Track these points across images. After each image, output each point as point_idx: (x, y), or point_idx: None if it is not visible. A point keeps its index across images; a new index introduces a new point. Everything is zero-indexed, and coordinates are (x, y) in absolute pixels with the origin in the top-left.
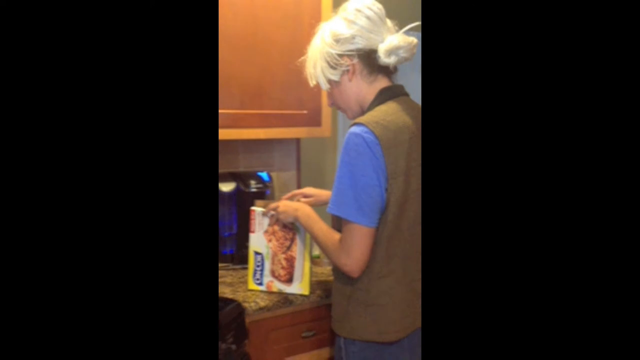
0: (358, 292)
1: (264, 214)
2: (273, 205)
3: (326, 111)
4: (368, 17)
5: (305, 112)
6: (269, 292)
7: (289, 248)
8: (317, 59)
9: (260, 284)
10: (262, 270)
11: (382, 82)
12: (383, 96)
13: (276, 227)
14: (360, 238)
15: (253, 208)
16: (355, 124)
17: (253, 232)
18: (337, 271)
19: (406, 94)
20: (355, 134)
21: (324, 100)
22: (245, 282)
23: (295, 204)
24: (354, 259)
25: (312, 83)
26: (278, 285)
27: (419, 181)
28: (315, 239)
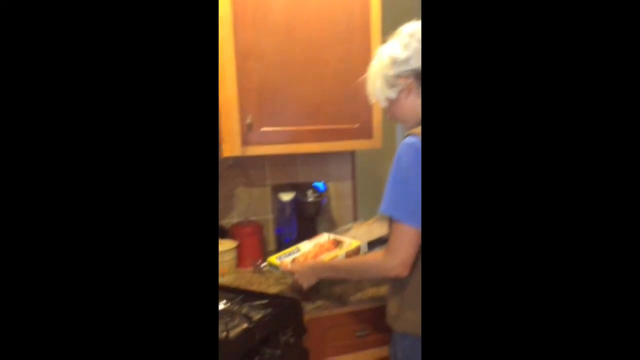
0: (410, 291)
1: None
2: (288, 269)
3: (377, 124)
4: (418, 40)
5: (357, 125)
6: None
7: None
8: (376, 80)
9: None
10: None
11: None
12: None
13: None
14: (410, 238)
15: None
16: (408, 135)
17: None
18: None
19: None
20: (409, 144)
21: (375, 114)
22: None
23: (308, 266)
24: (401, 258)
25: (372, 101)
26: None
27: None
28: (350, 276)
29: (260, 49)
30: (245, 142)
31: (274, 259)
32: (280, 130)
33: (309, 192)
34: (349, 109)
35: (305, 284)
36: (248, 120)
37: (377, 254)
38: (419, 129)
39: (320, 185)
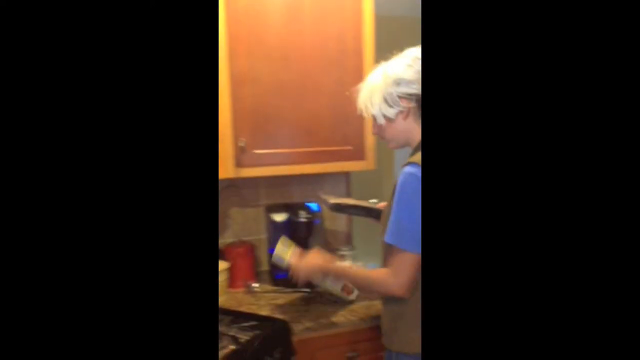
0: (409, 311)
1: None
2: (294, 263)
3: (370, 146)
4: None
5: (350, 147)
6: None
7: None
8: (375, 95)
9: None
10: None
11: None
12: None
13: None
14: (411, 264)
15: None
16: (409, 163)
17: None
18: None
19: None
20: (411, 174)
21: (368, 136)
22: (295, 305)
23: (309, 262)
24: (404, 283)
25: (366, 115)
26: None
27: None
28: (354, 283)
29: (255, 74)
30: (238, 164)
31: (282, 250)
32: (273, 152)
33: (302, 213)
34: (342, 132)
35: (304, 278)
36: (241, 143)
37: (382, 270)
38: (417, 157)
39: (313, 205)
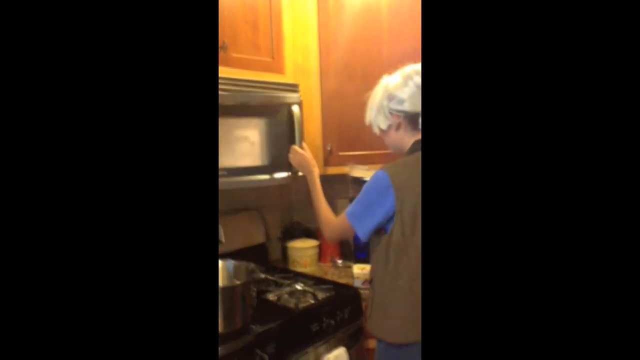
0: (378, 298)
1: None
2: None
3: None
4: (416, 85)
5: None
6: None
7: None
8: (373, 106)
9: None
10: None
11: (419, 135)
12: (415, 147)
13: None
14: (344, 229)
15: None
16: (382, 168)
17: None
18: (372, 280)
19: None
20: (378, 176)
21: None
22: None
23: (312, 162)
24: (331, 237)
25: (367, 122)
26: None
27: None
28: (317, 205)
29: (341, 92)
30: (326, 163)
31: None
32: (355, 154)
33: None
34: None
35: (295, 164)
36: (329, 147)
37: (328, 215)
38: (391, 165)
39: None
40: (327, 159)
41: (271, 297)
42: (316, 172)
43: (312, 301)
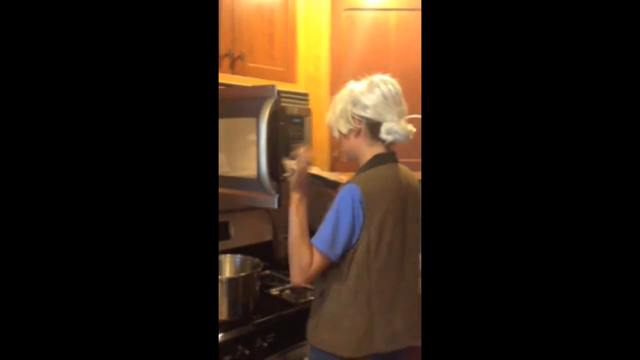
0: (327, 313)
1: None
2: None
3: None
4: (382, 94)
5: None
6: None
7: None
8: (337, 108)
9: None
10: None
11: (378, 148)
12: (376, 161)
13: None
14: (321, 264)
15: None
16: (349, 182)
17: None
18: (316, 292)
19: (395, 161)
20: (348, 189)
21: None
22: None
23: (300, 180)
24: (307, 276)
25: (327, 124)
26: None
27: (393, 234)
28: (292, 227)
29: None
30: (332, 169)
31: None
32: None
33: None
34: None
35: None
36: (335, 154)
37: (305, 253)
38: (359, 178)
39: None
40: (334, 165)
41: (274, 291)
42: (297, 198)
43: (312, 297)
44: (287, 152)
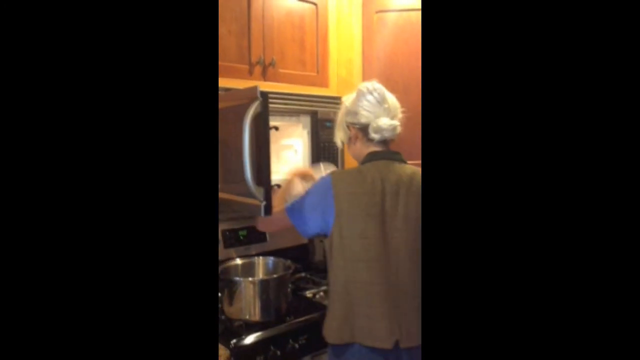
0: (330, 300)
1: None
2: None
3: None
4: (367, 100)
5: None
6: None
7: None
8: (338, 123)
9: None
10: None
11: (373, 147)
12: (368, 158)
13: None
14: (279, 220)
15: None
16: (329, 173)
17: None
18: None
19: (388, 158)
20: (324, 179)
21: None
22: None
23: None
24: (265, 226)
25: (334, 139)
26: None
27: (366, 227)
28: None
29: None
30: None
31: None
32: None
33: None
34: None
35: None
36: None
37: (276, 212)
38: (337, 171)
39: None
40: None
41: (308, 294)
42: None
43: None
44: (319, 156)
